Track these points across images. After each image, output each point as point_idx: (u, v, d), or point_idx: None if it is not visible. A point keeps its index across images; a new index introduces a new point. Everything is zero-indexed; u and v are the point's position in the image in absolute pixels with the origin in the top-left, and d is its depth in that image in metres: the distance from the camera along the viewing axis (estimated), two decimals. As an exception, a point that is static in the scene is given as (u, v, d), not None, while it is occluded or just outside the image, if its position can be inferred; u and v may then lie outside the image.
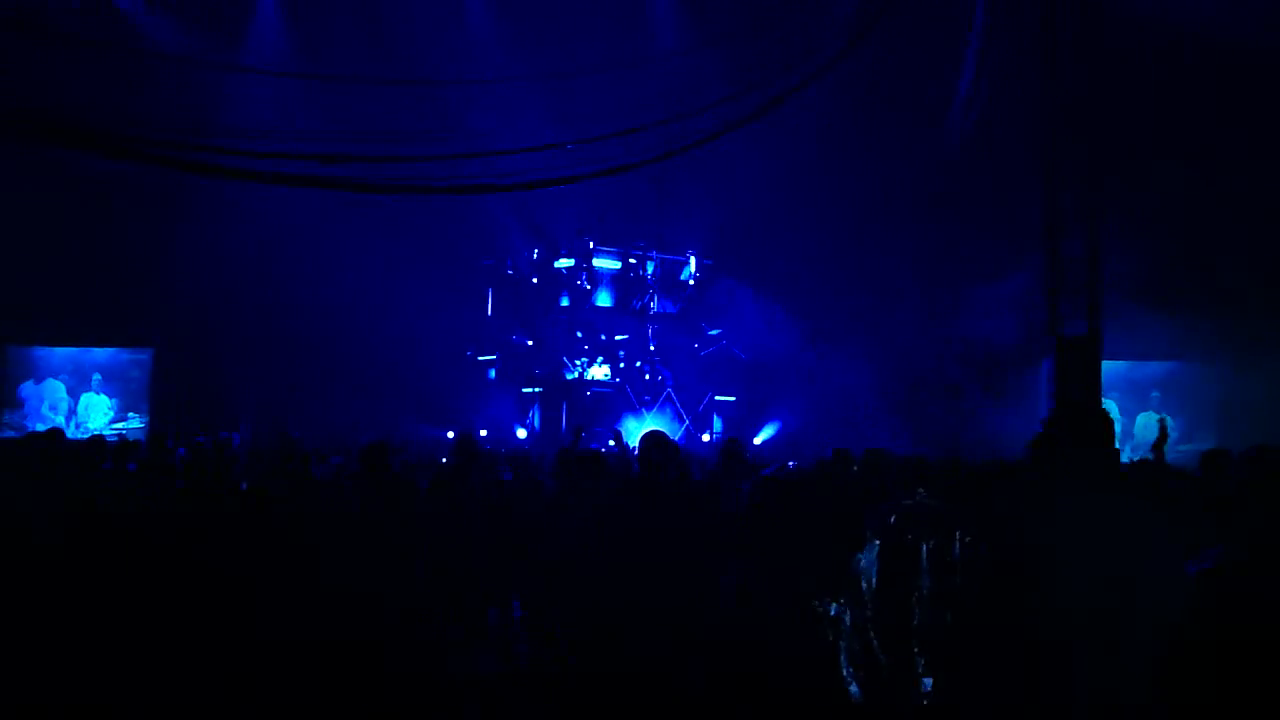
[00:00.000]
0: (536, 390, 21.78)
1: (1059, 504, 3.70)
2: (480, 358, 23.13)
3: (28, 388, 21.16)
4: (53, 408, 21.08)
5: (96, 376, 21.42)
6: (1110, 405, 18.45)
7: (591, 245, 22.51)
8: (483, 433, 20.03)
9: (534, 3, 20.60)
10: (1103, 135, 16.40)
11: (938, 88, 19.96)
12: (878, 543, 5.42)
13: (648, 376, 22.46)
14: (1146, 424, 18.94)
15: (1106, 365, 16.52)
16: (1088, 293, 16.00)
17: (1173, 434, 18.68)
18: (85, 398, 21.34)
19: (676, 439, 6.50)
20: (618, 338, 22.62)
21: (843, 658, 5.15)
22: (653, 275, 23.22)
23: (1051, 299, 16.19)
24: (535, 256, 22.74)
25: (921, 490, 6.35)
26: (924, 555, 5.38)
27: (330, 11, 20.30)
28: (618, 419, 20.77)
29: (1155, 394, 19.42)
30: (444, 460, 11.12)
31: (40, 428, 16.15)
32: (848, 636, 5.20)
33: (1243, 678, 4.37)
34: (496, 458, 11.65)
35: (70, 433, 18.52)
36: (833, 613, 5.23)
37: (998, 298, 18.67)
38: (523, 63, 20.09)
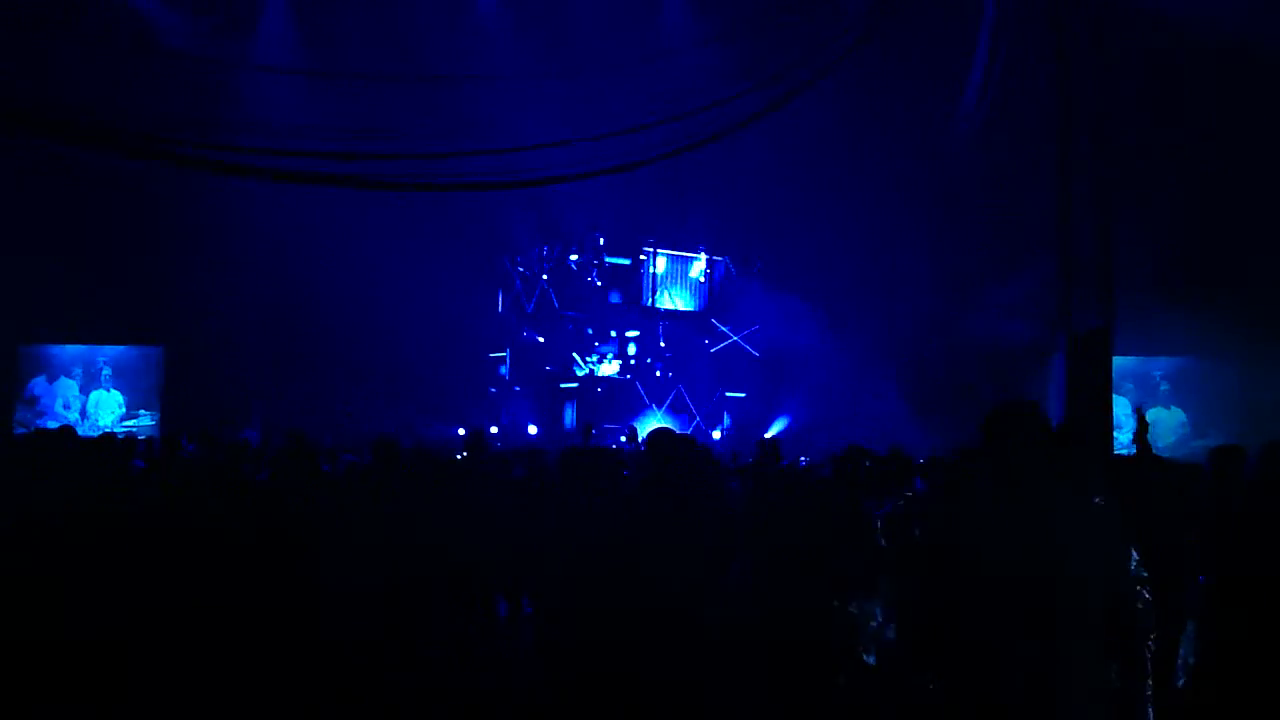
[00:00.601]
0: (548, 387, 21.80)
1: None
2: (491, 355, 23.17)
3: (40, 386, 21.21)
4: (66, 405, 21.14)
5: (106, 372, 21.45)
6: (1122, 401, 18.43)
7: (602, 242, 22.53)
8: (494, 429, 20.07)
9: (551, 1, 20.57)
10: (1114, 130, 16.34)
11: (948, 84, 19.90)
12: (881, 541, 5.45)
13: (659, 374, 22.49)
14: (1155, 419, 18.86)
15: (1118, 361, 16.47)
16: (1100, 288, 15.96)
17: (1183, 430, 18.78)
18: (95, 395, 21.38)
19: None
20: (628, 334, 22.64)
21: (870, 654, 5.17)
22: (664, 272, 23.23)
23: (1063, 295, 16.15)
24: (546, 253, 22.76)
25: (910, 490, 6.38)
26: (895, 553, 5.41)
27: (339, 8, 20.28)
28: (629, 415, 20.81)
29: (1164, 387, 19.35)
30: (456, 457, 11.13)
31: (53, 425, 16.20)
32: (865, 633, 5.22)
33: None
34: (507, 454, 11.66)
35: (82, 430, 18.58)
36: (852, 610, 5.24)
37: (1009, 293, 18.63)
38: (534, 59, 20.06)
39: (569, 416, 21.32)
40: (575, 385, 21.70)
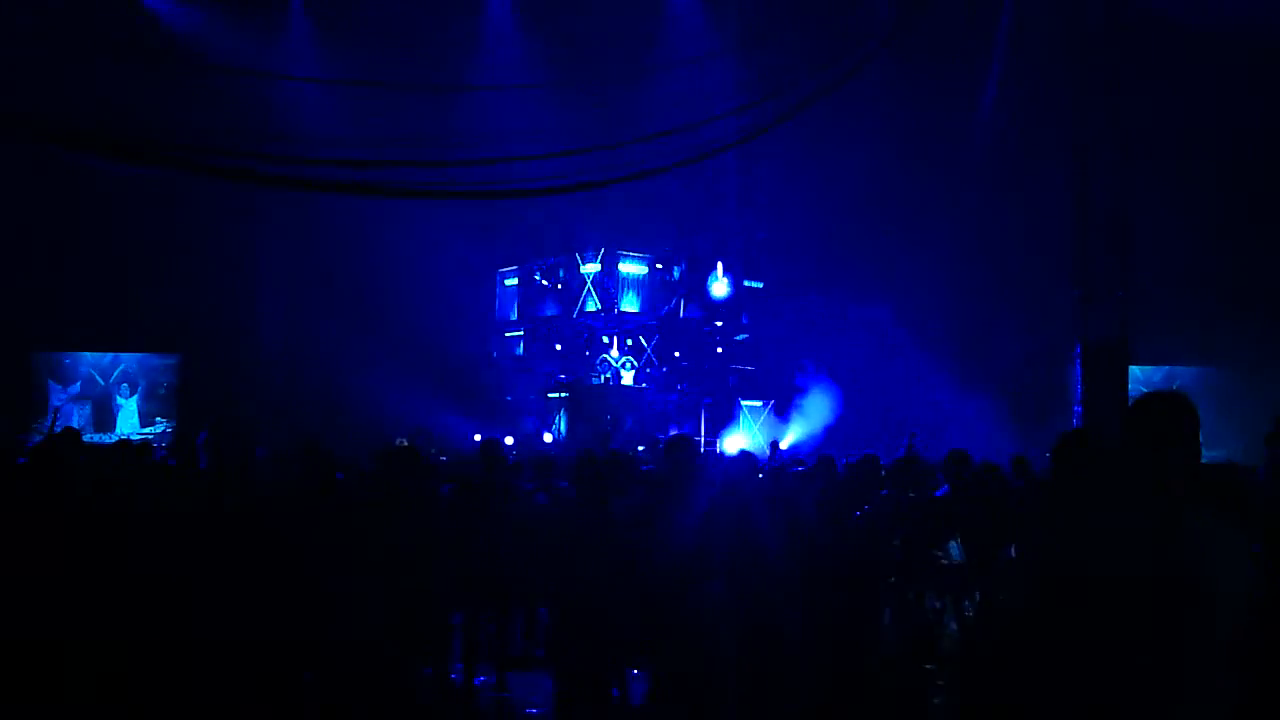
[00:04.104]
0: (563, 395, 21.75)
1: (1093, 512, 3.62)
2: (507, 362, 23.18)
3: (57, 394, 21.30)
4: (82, 413, 21.22)
5: (124, 381, 21.54)
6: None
7: (618, 250, 22.50)
8: (509, 439, 20.05)
9: (564, 11, 20.59)
10: (1134, 139, 16.31)
11: (966, 94, 19.83)
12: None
13: (679, 388, 22.41)
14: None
15: (1133, 370, 16.43)
16: (1118, 298, 15.93)
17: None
18: (115, 402, 21.47)
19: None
20: (644, 342, 22.60)
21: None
22: (680, 280, 23.18)
23: (1080, 304, 16.13)
24: (563, 260, 22.74)
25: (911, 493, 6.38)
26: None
27: (359, 20, 20.32)
28: (646, 423, 20.78)
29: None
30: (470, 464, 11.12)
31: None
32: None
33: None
34: (521, 463, 11.66)
35: (100, 438, 18.71)
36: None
37: (1027, 303, 18.57)
38: (553, 69, 20.11)
39: (584, 424, 21.21)
40: (590, 393, 21.62)
